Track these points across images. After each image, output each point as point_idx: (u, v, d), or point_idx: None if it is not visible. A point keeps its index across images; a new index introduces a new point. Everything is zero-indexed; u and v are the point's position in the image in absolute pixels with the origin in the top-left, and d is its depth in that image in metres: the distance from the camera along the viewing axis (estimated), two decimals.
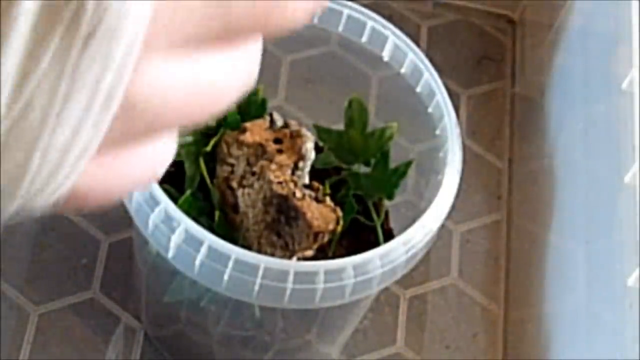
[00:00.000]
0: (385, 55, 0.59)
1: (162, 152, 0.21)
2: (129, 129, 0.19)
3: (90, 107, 0.18)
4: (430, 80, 0.58)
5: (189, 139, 0.59)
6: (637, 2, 0.58)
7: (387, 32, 0.59)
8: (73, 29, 0.17)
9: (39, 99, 0.17)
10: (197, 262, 0.50)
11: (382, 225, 0.62)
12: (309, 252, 0.53)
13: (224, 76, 0.19)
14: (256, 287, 0.50)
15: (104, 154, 0.19)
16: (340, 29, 0.60)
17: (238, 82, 0.19)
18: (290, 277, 0.50)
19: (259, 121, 0.58)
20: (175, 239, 0.50)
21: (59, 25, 0.17)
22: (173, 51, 0.18)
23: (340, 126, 0.62)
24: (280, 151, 0.56)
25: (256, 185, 0.55)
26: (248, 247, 0.53)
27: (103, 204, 0.21)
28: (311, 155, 0.56)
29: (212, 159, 0.59)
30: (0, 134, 0.18)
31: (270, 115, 0.58)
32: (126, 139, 0.19)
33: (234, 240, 0.52)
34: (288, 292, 0.50)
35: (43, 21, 0.17)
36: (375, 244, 0.58)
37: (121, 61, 0.17)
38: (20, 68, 0.17)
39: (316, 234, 0.53)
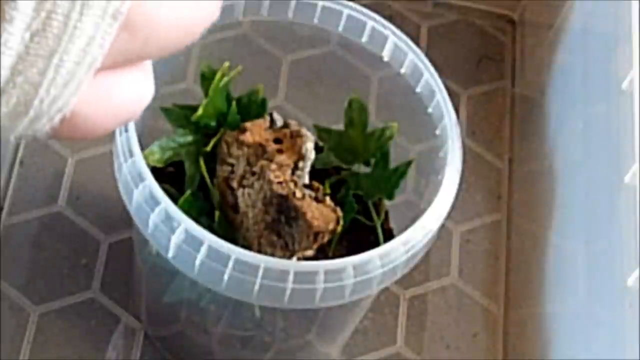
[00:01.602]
0: (385, 55, 0.59)
1: (144, 87, 0.24)
2: (126, 48, 0.22)
3: (100, 25, 0.21)
4: (430, 80, 0.58)
5: (189, 138, 0.59)
6: (637, 2, 0.58)
7: (387, 32, 0.59)
8: None
9: (60, 9, 0.20)
10: (197, 262, 0.50)
11: (382, 225, 0.62)
12: (309, 252, 0.53)
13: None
14: (256, 287, 0.50)
15: (101, 76, 0.22)
16: (340, 29, 0.60)
17: (206, 15, 0.23)
18: (290, 277, 0.50)
19: (259, 121, 0.58)
20: (175, 239, 0.50)
21: None
22: None
23: (340, 126, 0.62)
24: (280, 151, 0.56)
25: (256, 185, 0.55)
26: (248, 247, 0.53)
27: (92, 131, 0.23)
28: (311, 155, 0.56)
29: (212, 159, 0.59)
30: (25, 41, 0.20)
31: (270, 115, 0.58)
32: (122, 59, 0.22)
33: (234, 240, 0.52)
34: (288, 292, 0.50)
35: None
36: (375, 244, 0.58)
37: None
38: None
39: (316, 234, 0.53)
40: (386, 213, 0.63)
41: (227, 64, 0.58)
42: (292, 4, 0.59)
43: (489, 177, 0.80)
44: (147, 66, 0.24)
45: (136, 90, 0.24)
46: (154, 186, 0.51)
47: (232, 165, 0.57)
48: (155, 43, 0.22)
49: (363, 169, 0.62)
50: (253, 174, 0.56)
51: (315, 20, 0.60)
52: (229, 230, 0.57)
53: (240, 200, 0.56)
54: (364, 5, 0.60)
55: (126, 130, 0.53)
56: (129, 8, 0.21)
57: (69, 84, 0.21)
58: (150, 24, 0.22)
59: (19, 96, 0.21)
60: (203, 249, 0.50)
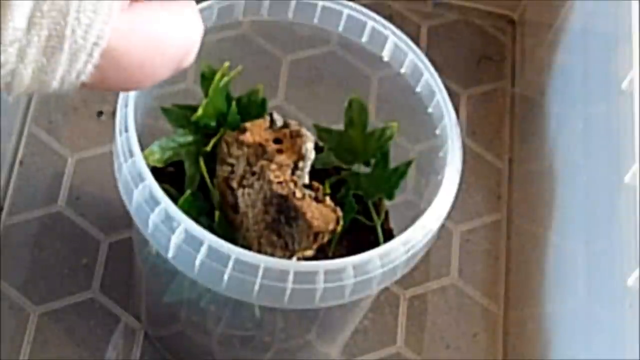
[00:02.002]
0: (385, 55, 0.59)
1: (190, 23, 0.22)
2: None
3: None
4: (430, 80, 0.58)
5: (189, 138, 0.59)
6: (637, 2, 0.58)
7: (387, 32, 0.59)
8: None
9: None
10: (197, 262, 0.50)
11: (382, 225, 0.62)
12: (309, 252, 0.53)
13: None
14: (256, 287, 0.50)
15: (138, 6, 0.21)
16: (340, 29, 0.60)
17: None
18: (290, 277, 0.50)
19: (259, 121, 0.58)
20: (175, 239, 0.50)
21: None
22: None
23: (340, 126, 0.62)
24: (280, 151, 0.56)
25: (256, 185, 0.55)
26: (248, 247, 0.53)
27: (139, 72, 0.21)
28: (311, 155, 0.56)
29: (212, 159, 0.59)
30: None
31: (270, 115, 0.58)
32: None
33: (234, 240, 0.52)
34: (288, 292, 0.50)
35: None
36: (375, 244, 0.58)
37: None
38: None
39: (316, 234, 0.53)
40: (386, 213, 0.63)
41: (227, 64, 0.58)
42: (292, 4, 0.59)
43: (489, 177, 0.80)
44: (190, 3, 0.23)
45: (181, 25, 0.22)
46: (154, 186, 0.51)
47: (232, 165, 0.57)
48: None
49: (363, 169, 0.62)
50: (253, 174, 0.56)
51: (315, 20, 0.60)
52: (229, 230, 0.57)
53: (240, 200, 0.56)
54: (364, 5, 0.60)
55: (126, 130, 0.53)
56: None
57: (98, 9, 0.20)
58: None
59: (49, 26, 0.20)
60: (203, 249, 0.50)
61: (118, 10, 0.20)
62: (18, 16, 0.19)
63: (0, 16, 0.19)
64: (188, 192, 0.57)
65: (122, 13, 0.21)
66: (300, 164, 0.56)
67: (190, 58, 0.23)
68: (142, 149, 0.53)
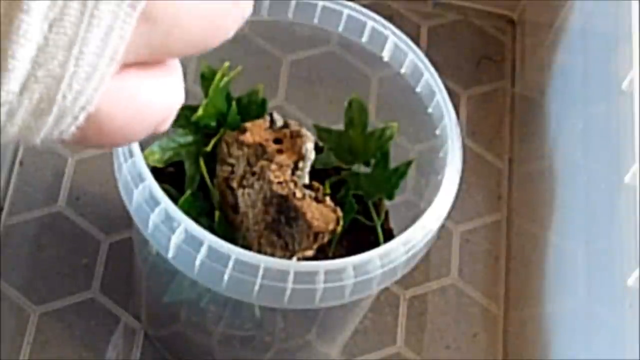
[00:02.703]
0: (385, 55, 0.59)
1: (173, 92, 0.23)
2: (148, 40, 0.21)
3: (118, 14, 0.20)
4: (430, 80, 0.58)
5: (189, 139, 0.59)
6: (637, 2, 0.58)
7: (387, 32, 0.59)
8: None
9: (74, 4, 0.20)
10: (197, 262, 0.50)
11: (382, 225, 0.62)
12: (309, 252, 0.53)
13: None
14: (256, 287, 0.50)
15: (127, 74, 0.22)
16: (340, 29, 0.60)
17: (237, 10, 0.23)
18: (290, 277, 0.50)
19: (259, 121, 0.58)
20: (175, 239, 0.50)
21: None
22: None
23: (340, 126, 0.62)
24: (280, 151, 0.56)
25: (256, 185, 0.55)
26: (248, 247, 0.53)
27: (119, 135, 0.22)
28: (311, 155, 0.56)
29: (212, 159, 0.59)
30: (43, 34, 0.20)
31: (270, 115, 0.58)
32: (145, 53, 0.22)
33: (234, 240, 0.52)
34: (288, 292, 0.50)
35: None
36: (375, 244, 0.58)
37: None
38: None
39: (316, 234, 0.53)
40: (386, 213, 0.63)
41: (227, 64, 0.58)
42: (292, 4, 0.59)
43: (489, 177, 0.80)
44: (177, 70, 0.24)
45: (164, 93, 0.23)
46: (154, 186, 0.51)
47: (232, 165, 0.57)
48: (179, 36, 0.22)
49: (363, 169, 0.62)
50: (253, 174, 0.56)
51: (315, 20, 0.60)
52: (229, 230, 0.57)
53: (240, 200, 0.56)
54: (364, 5, 0.60)
55: None
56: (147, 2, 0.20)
57: (92, 78, 0.21)
58: (172, 14, 0.21)
59: (42, 91, 0.20)
60: (203, 249, 0.50)
61: (110, 78, 0.21)
62: (13, 80, 0.20)
63: None
64: (188, 192, 0.57)
65: (111, 79, 0.21)
66: (300, 164, 0.56)
67: (167, 124, 0.24)
68: (142, 149, 0.53)
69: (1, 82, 0.20)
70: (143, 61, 0.22)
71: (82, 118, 0.21)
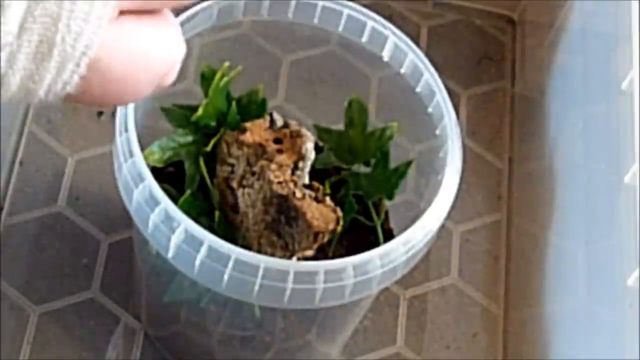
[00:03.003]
0: (385, 55, 0.59)
1: (172, 40, 0.23)
2: None
3: None
4: (430, 80, 0.58)
5: (189, 138, 0.59)
6: (637, 2, 0.58)
7: (387, 32, 0.59)
8: None
9: None
10: (197, 262, 0.50)
11: (382, 225, 0.62)
12: (309, 252, 0.53)
13: None
14: (256, 287, 0.50)
15: (123, 20, 0.21)
16: (340, 29, 0.60)
17: None
18: (290, 277, 0.50)
19: (259, 121, 0.58)
20: (175, 239, 0.50)
21: None
22: None
23: (340, 126, 0.62)
24: (280, 151, 0.56)
25: (256, 185, 0.55)
26: (248, 247, 0.53)
27: (122, 86, 0.22)
28: (311, 155, 0.56)
29: (212, 159, 0.59)
30: None
31: (270, 115, 0.58)
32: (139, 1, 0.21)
33: (234, 240, 0.52)
34: (288, 292, 0.50)
35: None
36: (375, 244, 0.58)
37: None
38: None
39: (316, 234, 0.53)
40: (386, 213, 0.63)
41: (227, 64, 0.58)
42: (292, 4, 0.59)
43: (489, 177, 0.80)
44: (174, 22, 0.24)
45: (163, 42, 0.23)
46: (154, 186, 0.51)
47: (232, 165, 0.57)
48: None
49: (363, 169, 0.62)
50: (253, 174, 0.56)
51: (315, 20, 0.60)
52: (229, 230, 0.57)
53: (240, 200, 0.56)
54: (364, 5, 0.60)
55: (126, 130, 0.53)
56: None
57: (89, 18, 0.21)
58: None
59: (40, 32, 0.20)
60: (203, 249, 0.50)
61: (107, 22, 0.21)
62: (11, 20, 0.20)
63: None
64: (188, 192, 0.57)
65: (109, 25, 0.21)
66: (300, 164, 0.56)
67: (171, 76, 0.24)
68: (142, 149, 0.53)
69: (0, 22, 0.20)
70: (138, 9, 0.22)
71: (83, 65, 0.21)
